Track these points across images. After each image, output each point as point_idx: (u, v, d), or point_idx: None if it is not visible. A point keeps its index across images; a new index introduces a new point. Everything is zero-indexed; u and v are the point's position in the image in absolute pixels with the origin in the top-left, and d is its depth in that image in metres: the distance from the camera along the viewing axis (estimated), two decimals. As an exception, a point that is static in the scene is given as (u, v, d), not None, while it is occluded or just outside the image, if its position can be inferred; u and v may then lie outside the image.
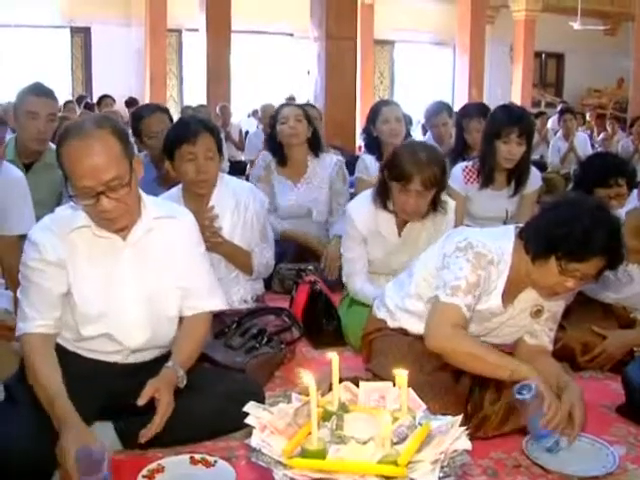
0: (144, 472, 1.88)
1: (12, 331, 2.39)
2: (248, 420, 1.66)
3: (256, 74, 14.36)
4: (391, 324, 2.55)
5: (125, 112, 10.08)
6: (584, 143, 8.48)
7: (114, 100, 10.72)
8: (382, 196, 2.98)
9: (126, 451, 2.07)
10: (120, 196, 1.94)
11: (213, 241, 2.85)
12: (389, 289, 2.64)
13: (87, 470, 1.67)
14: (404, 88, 16.16)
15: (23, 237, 2.34)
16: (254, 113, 11.19)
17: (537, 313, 2.33)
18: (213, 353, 2.57)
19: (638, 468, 2.08)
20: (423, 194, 2.84)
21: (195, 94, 11.29)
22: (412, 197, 2.84)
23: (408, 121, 5.15)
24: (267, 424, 1.63)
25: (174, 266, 2.17)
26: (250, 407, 1.70)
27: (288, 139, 4.14)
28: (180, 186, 3.03)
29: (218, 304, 2.31)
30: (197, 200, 2.94)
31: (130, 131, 3.79)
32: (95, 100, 11.10)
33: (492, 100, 8.35)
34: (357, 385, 1.80)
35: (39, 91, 3.43)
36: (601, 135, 10.54)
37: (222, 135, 3.92)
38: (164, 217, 2.16)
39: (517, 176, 3.66)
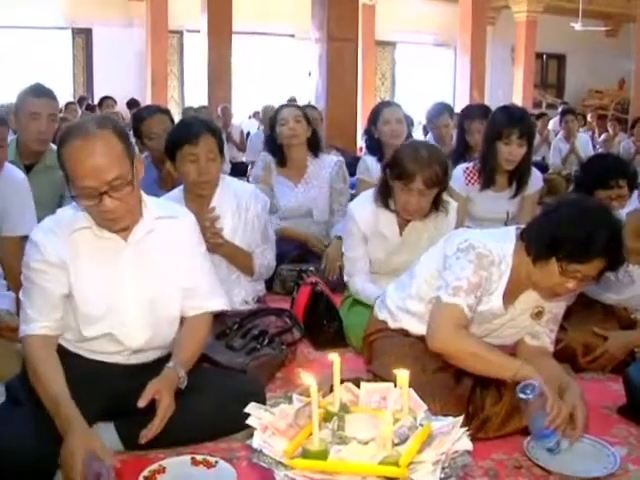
0: (145, 473, 1.89)
1: (14, 332, 2.40)
2: (249, 421, 1.67)
3: (257, 75, 14.37)
4: (392, 325, 2.55)
5: (126, 113, 10.09)
6: (585, 144, 8.48)
7: (115, 101, 10.74)
8: (384, 195, 2.98)
9: (127, 452, 2.07)
10: (123, 195, 1.95)
11: (214, 242, 2.85)
12: (390, 290, 2.65)
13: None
14: (405, 89, 16.18)
15: (25, 238, 2.35)
16: (255, 114, 11.20)
17: (538, 314, 2.33)
18: (214, 354, 2.57)
19: (639, 469, 2.08)
20: (425, 193, 2.85)
21: (196, 95, 11.32)
22: (414, 196, 2.84)
23: (409, 122, 5.15)
24: (268, 425, 1.64)
25: (175, 266, 2.17)
26: (251, 408, 1.70)
27: (288, 140, 4.14)
28: (181, 187, 3.03)
29: (220, 304, 2.31)
30: (198, 201, 2.95)
31: (131, 132, 3.80)
32: (96, 101, 11.12)
33: (493, 101, 8.37)
34: (358, 386, 1.80)
35: (39, 92, 3.44)
36: (602, 136, 10.54)
37: (223, 136, 3.93)
38: (165, 217, 2.17)
39: (518, 177, 3.67)
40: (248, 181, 4.72)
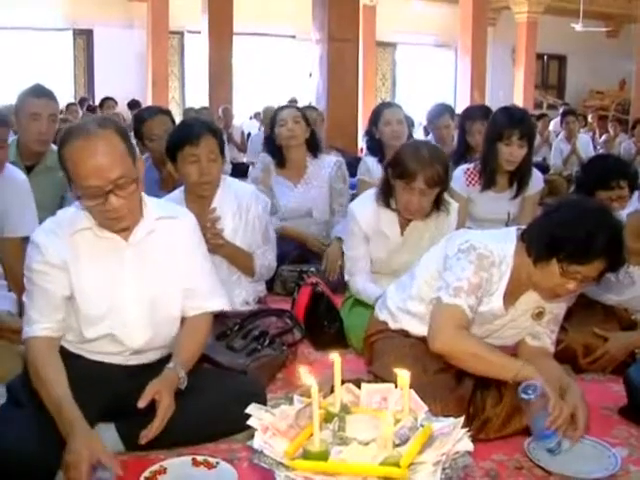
0: (146, 474, 1.89)
1: (15, 333, 2.40)
2: (250, 422, 1.67)
3: (258, 76, 14.38)
4: (393, 326, 2.55)
5: (127, 114, 10.12)
6: (586, 145, 8.48)
7: (116, 102, 10.75)
8: (385, 194, 2.99)
9: (128, 452, 2.07)
10: (128, 194, 1.96)
11: (214, 243, 2.86)
12: (391, 291, 2.65)
13: None
14: (406, 90, 16.19)
15: (26, 239, 2.35)
16: (256, 115, 11.21)
17: (538, 315, 2.33)
18: (215, 355, 2.57)
19: (640, 470, 2.09)
20: (426, 192, 2.85)
21: (197, 96, 11.32)
22: (415, 195, 2.85)
23: (410, 123, 5.15)
24: (269, 426, 1.64)
25: (176, 266, 2.17)
26: (252, 409, 1.71)
27: (287, 141, 4.15)
28: (182, 188, 3.04)
29: (220, 304, 2.31)
30: (199, 202, 2.95)
31: (132, 133, 3.80)
32: (97, 102, 11.13)
33: (494, 102, 8.37)
34: (359, 387, 1.80)
35: (39, 92, 3.45)
36: (603, 137, 10.54)
37: (224, 137, 3.94)
38: (166, 217, 2.17)
39: (519, 178, 3.67)
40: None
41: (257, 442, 1.60)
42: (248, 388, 2.29)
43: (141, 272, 2.11)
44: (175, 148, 2.92)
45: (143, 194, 2.13)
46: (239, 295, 3.05)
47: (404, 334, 2.51)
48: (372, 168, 4.31)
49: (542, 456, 2.05)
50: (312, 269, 3.76)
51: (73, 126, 2.03)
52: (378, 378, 2.31)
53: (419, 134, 7.54)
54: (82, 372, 2.03)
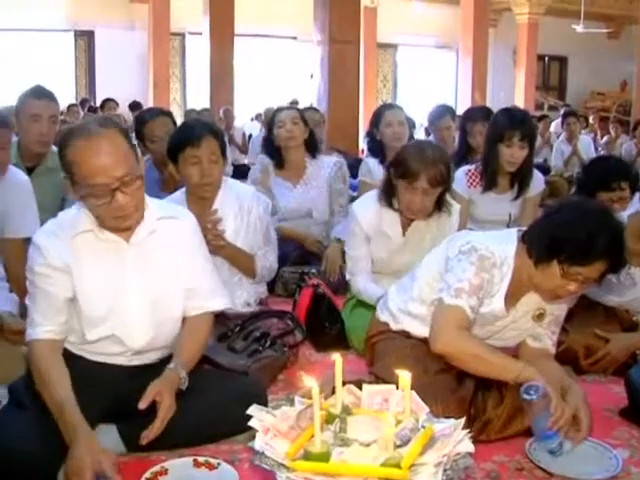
0: (147, 475, 1.89)
1: (17, 335, 2.40)
2: (251, 423, 1.67)
3: (259, 77, 14.38)
4: (394, 327, 2.55)
5: (128, 116, 10.12)
6: (588, 146, 8.48)
7: (117, 104, 10.76)
8: (388, 194, 2.99)
9: (129, 454, 2.07)
10: (134, 190, 1.97)
11: (216, 244, 2.86)
12: (392, 292, 2.65)
13: None
14: (407, 91, 16.20)
15: (28, 240, 2.35)
16: (257, 116, 11.22)
17: (539, 316, 2.33)
18: (216, 356, 2.57)
19: (641, 471, 2.08)
20: (429, 192, 2.85)
21: (198, 97, 11.34)
22: (418, 195, 2.85)
23: (411, 124, 5.15)
24: (270, 427, 1.64)
25: (177, 266, 2.18)
26: (253, 410, 1.71)
27: (286, 142, 4.16)
28: (184, 189, 3.04)
29: (221, 303, 2.32)
30: (201, 203, 2.95)
31: (133, 135, 3.81)
32: (98, 104, 11.14)
33: (495, 103, 8.36)
34: (360, 388, 1.80)
35: (40, 94, 3.45)
36: (604, 138, 10.54)
37: (225, 138, 3.94)
38: (167, 218, 2.18)
39: (520, 179, 3.67)
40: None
41: (258, 443, 1.60)
42: (249, 389, 2.29)
43: (143, 272, 2.12)
44: (176, 149, 2.92)
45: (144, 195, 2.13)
46: (240, 296, 3.05)
47: (405, 335, 2.51)
48: (373, 169, 4.31)
49: (543, 457, 2.05)
50: (313, 270, 3.77)
51: (74, 127, 2.03)
52: (379, 379, 2.31)
53: (420, 135, 7.55)
54: (83, 373, 2.03)
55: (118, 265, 2.09)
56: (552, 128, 10.09)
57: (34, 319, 2.05)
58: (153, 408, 1.96)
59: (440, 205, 2.98)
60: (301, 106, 7.29)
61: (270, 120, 4.32)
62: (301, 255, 4.09)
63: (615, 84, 16.68)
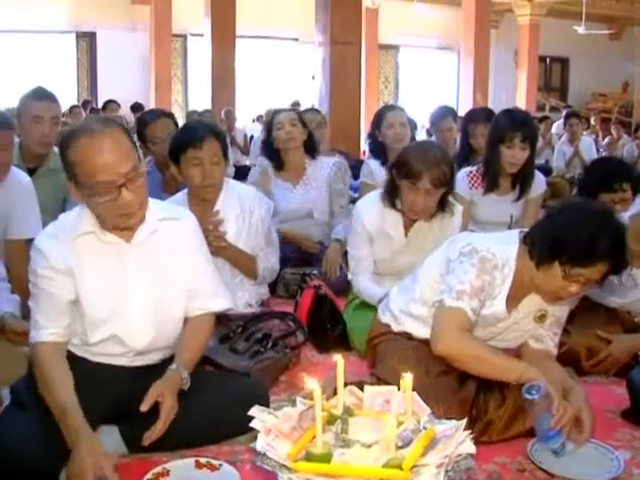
0: (149, 475, 1.89)
1: (19, 335, 2.41)
2: (253, 424, 1.67)
3: (261, 79, 14.38)
4: (395, 328, 2.55)
5: (130, 117, 10.11)
6: (589, 147, 8.48)
7: (119, 105, 10.76)
8: (391, 195, 2.99)
9: (131, 455, 2.07)
10: (138, 187, 1.97)
11: (217, 245, 2.86)
12: (393, 294, 2.65)
13: None
14: (409, 93, 16.18)
15: (30, 241, 2.36)
16: (259, 118, 11.22)
17: (541, 318, 2.33)
18: (218, 357, 2.58)
19: (643, 473, 2.08)
20: (432, 193, 2.85)
21: (200, 99, 11.33)
22: (421, 195, 2.85)
23: (413, 126, 5.15)
24: (272, 428, 1.64)
25: (179, 267, 2.18)
26: (255, 411, 1.71)
27: (285, 144, 4.16)
28: (185, 191, 3.04)
29: (223, 304, 2.32)
30: (202, 205, 2.95)
31: (135, 136, 3.81)
32: (100, 105, 11.14)
33: (497, 105, 8.37)
34: (362, 389, 1.80)
35: (41, 95, 3.46)
36: (606, 139, 10.54)
37: (227, 140, 3.94)
38: (168, 219, 2.18)
39: (521, 181, 3.67)
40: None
41: (260, 444, 1.60)
42: (251, 390, 2.29)
43: (144, 273, 2.12)
44: (178, 151, 2.92)
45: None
46: (242, 298, 3.06)
47: (407, 337, 2.51)
48: (375, 171, 4.32)
49: (545, 458, 2.05)
50: (314, 272, 3.77)
51: (75, 127, 2.03)
52: (381, 380, 2.31)
53: (422, 137, 7.55)
54: (85, 374, 2.03)
55: (120, 266, 2.09)
56: (554, 129, 10.10)
57: (37, 321, 2.05)
58: (155, 409, 1.97)
59: (443, 206, 2.98)
60: (303, 107, 7.29)
61: (269, 122, 4.32)
62: (302, 256, 4.09)
63: (617, 85, 16.68)
